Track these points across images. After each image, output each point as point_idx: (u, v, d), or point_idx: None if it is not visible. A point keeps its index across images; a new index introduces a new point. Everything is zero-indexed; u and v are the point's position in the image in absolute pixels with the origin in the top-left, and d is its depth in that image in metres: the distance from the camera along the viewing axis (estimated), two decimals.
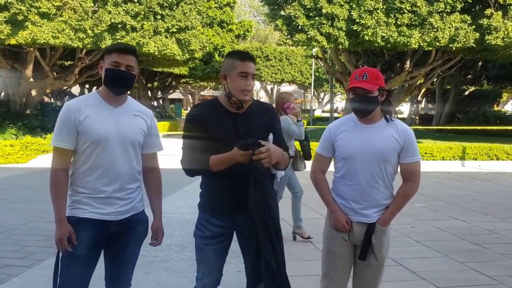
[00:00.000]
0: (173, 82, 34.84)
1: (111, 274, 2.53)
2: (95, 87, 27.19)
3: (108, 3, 14.13)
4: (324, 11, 14.06)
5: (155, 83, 34.02)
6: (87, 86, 29.70)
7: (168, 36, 15.46)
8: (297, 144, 5.52)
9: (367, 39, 14.02)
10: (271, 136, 2.52)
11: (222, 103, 2.48)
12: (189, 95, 49.39)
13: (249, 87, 2.41)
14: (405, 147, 2.54)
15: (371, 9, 13.85)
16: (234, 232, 2.58)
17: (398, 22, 13.93)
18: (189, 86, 44.76)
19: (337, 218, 2.61)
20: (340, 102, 51.46)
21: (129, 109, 2.46)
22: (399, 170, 2.63)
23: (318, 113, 44.83)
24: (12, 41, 13.54)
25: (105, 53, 2.44)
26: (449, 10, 13.80)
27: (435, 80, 21.44)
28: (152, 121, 2.56)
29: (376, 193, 2.55)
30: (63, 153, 2.34)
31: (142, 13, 14.55)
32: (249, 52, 2.57)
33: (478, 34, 13.82)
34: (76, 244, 2.31)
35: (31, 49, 15.18)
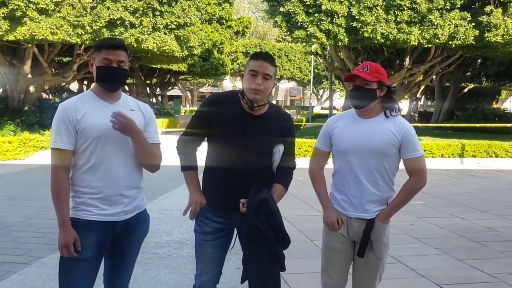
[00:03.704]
0: (172, 78, 34.77)
1: (110, 271, 2.52)
2: (93, 84, 27.13)
3: None
4: (323, 7, 14.03)
5: (154, 80, 33.94)
6: (85, 82, 29.63)
7: (167, 32, 15.42)
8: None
9: (366, 36, 14.00)
10: (281, 148, 2.51)
11: (241, 100, 2.47)
12: (187, 92, 49.32)
13: (259, 87, 2.36)
14: (404, 142, 2.51)
15: (371, 5, 13.82)
16: (235, 229, 2.59)
17: (398, 19, 13.91)
18: (187, 83, 44.70)
19: (329, 215, 2.62)
20: (339, 99, 51.43)
21: (125, 104, 2.43)
22: (401, 165, 2.61)
23: (317, 110, 44.81)
24: (10, 37, 13.50)
25: (94, 50, 2.40)
26: (448, 7, 13.78)
27: (434, 77, 21.44)
28: (150, 114, 2.51)
29: (376, 187, 2.53)
30: (64, 154, 2.27)
31: (141, 9, 14.50)
32: (267, 53, 2.53)
33: (477, 31, 13.79)
34: (81, 248, 2.27)
35: (29, 45, 15.13)
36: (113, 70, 2.32)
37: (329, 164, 2.73)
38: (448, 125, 20.17)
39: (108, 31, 14.08)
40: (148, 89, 31.85)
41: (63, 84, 25.44)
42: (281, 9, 15.23)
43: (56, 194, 2.27)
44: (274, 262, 2.41)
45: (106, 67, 2.31)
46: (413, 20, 13.91)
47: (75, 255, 2.26)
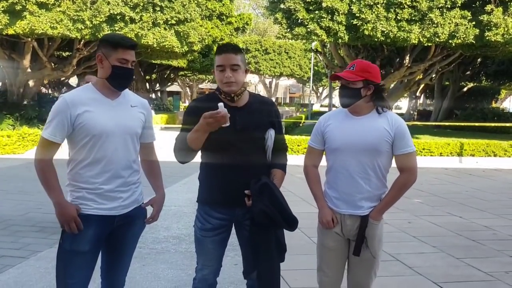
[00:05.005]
0: (171, 74, 34.70)
1: (108, 265, 2.53)
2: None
3: None
4: (324, 4, 14.01)
5: (153, 76, 33.88)
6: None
7: (167, 28, 15.37)
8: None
9: (367, 33, 13.99)
10: (272, 132, 2.52)
11: (220, 97, 2.49)
12: (187, 88, 49.23)
13: (230, 79, 2.39)
14: (397, 138, 2.51)
15: (371, 3, 13.81)
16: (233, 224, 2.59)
17: (398, 17, 13.90)
18: (187, 79, 44.60)
19: (324, 214, 2.62)
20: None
21: (126, 100, 2.44)
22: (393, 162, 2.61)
23: (316, 107, 44.79)
24: (10, 31, 13.45)
25: (105, 45, 2.33)
26: (449, 6, 13.77)
27: (434, 76, 21.42)
28: (148, 111, 2.54)
29: (369, 184, 2.53)
30: (53, 146, 2.30)
31: (141, 4, 14.46)
32: (229, 43, 2.54)
33: (478, 30, 13.79)
34: (78, 242, 2.28)
35: (29, 39, 15.09)
36: (129, 71, 2.35)
37: (323, 162, 2.73)
38: (447, 123, 20.18)
39: (108, 26, 14.04)
40: (147, 84, 31.78)
41: (62, 78, 25.39)
42: (282, 6, 15.20)
43: (45, 177, 2.29)
44: (278, 253, 2.44)
45: (123, 68, 2.32)
46: (413, 18, 13.90)
47: (82, 228, 2.27)
